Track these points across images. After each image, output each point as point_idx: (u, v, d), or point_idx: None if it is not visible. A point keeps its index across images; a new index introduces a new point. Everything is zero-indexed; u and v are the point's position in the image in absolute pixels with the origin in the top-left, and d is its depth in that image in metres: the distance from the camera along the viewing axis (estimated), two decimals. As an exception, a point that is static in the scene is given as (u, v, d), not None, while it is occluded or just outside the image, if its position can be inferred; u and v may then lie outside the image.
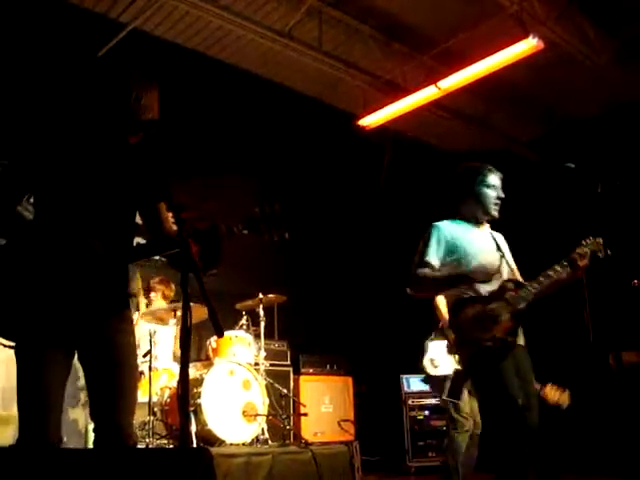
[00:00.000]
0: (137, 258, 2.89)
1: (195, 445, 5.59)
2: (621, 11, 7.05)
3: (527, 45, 6.80)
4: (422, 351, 5.62)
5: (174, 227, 2.97)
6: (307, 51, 7.37)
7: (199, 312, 5.35)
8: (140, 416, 6.01)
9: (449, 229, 3.95)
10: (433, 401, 8.33)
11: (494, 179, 3.98)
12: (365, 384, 8.91)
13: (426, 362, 5.56)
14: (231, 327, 6.81)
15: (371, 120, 8.42)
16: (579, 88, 8.03)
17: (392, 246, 9.70)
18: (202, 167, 8.14)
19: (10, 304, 2.66)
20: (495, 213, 3.97)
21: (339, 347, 8.72)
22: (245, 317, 6.99)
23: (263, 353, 6.72)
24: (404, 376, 8.56)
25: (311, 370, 8.35)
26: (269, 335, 7.57)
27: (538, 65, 7.34)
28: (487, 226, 4.08)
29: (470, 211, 4.02)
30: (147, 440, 5.74)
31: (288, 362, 7.98)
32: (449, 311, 3.87)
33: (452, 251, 3.86)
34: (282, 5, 6.94)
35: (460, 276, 3.71)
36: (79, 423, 6.01)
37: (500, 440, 3.62)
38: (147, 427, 5.81)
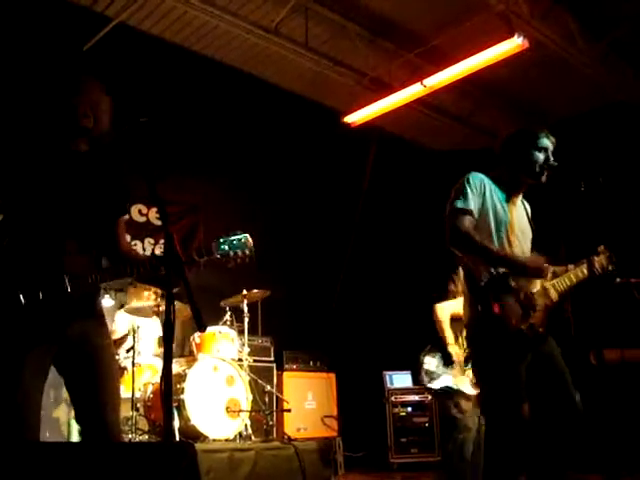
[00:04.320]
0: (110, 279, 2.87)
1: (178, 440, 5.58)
2: (606, 12, 7.10)
3: (512, 44, 6.83)
4: (419, 364, 5.59)
5: (129, 246, 3.06)
6: (293, 48, 7.38)
7: (184, 308, 5.35)
8: (123, 412, 5.97)
9: (488, 184, 3.57)
10: (416, 398, 8.38)
11: (546, 142, 3.62)
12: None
13: (423, 375, 5.53)
14: (215, 323, 6.80)
15: (357, 117, 8.43)
16: (563, 87, 8.08)
17: (376, 243, 9.73)
18: (186, 163, 8.11)
19: None
20: (543, 178, 3.59)
21: (322, 344, 8.72)
22: (229, 313, 6.98)
23: (247, 349, 6.72)
24: (387, 373, 8.59)
25: (294, 366, 8.34)
26: (253, 331, 7.55)
27: (523, 64, 7.38)
28: (521, 195, 3.72)
29: (512, 175, 3.64)
30: (130, 436, 5.72)
31: (272, 358, 7.96)
32: (483, 285, 3.48)
33: (486, 210, 3.52)
34: (268, 1, 6.94)
35: (508, 260, 3.40)
36: (61, 419, 6.01)
37: (492, 437, 3.42)
38: (130, 423, 5.80)
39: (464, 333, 5.51)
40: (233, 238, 2.90)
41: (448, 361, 5.40)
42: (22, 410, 2.67)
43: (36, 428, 2.71)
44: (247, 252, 2.89)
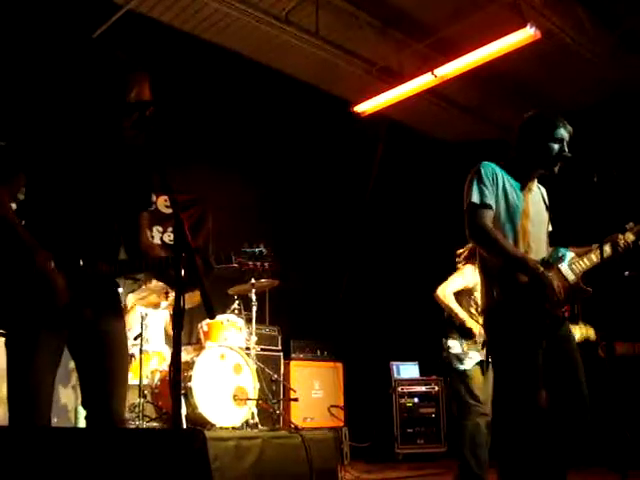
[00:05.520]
0: (123, 273, 2.90)
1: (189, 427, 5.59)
2: (618, 3, 7.04)
3: (524, 34, 6.79)
4: (445, 350, 5.45)
5: (150, 241, 3.11)
6: (303, 36, 7.34)
7: (192, 295, 5.33)
8: (130, 398, 6.01)
9: (500, 172, 3.55)
10: (423, 388, 8.38)
11: (563, 132, 3.56)
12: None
13: (452, 360, 5.39)
14: (223, 311, 6.80)
15: (366, 107, 8.41)
16: (575, 78, 8.02)
17: (384, 233, 9.72)
18: (193, 153, 8.09)
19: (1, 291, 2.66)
20: (556, 169, 3.57)
21: (330, 333, 8.73)
22: (237, 301, 6.98)
23: (254, 338, 6.72)
24: (394, 363, 8.59)
25: (302, 355, 8.36)
26: (260, 320, 7.56)
27: (534, 54, 7.33)
28: (536, 181, 3.70)
29: (525, 163, 3.61)
30: (137, 422, 5.75)
31: (279, 347, 7.98)
32: (497, 271, 3.46)
33: (500, 199, 3.50)
34: (279, -11, 6.91)
35: (523, 264, 3.35)
36: (68, 405, 6.03)
37: (508, 426, 3.41)
38: (137, 409, 5.82)
39: (473, 305, 5.46)
40: (252, 251, 2.91)
41: (468, 337, 5.32)
42: (34, 394, 2.66)
43: (47, 413, 2.71)
44: (267, 265, 2.94)
